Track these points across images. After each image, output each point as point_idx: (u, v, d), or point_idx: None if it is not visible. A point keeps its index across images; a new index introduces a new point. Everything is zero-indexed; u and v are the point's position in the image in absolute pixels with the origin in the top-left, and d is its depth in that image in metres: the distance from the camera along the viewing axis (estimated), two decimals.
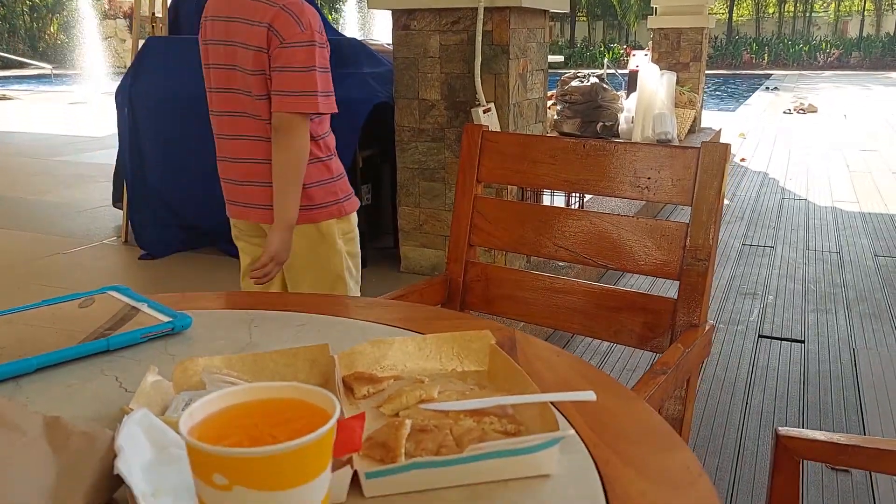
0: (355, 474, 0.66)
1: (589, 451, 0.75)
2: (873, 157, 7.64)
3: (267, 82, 1.78)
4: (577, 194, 3.99)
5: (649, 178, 1.58)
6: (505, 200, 1.90)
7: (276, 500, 0.47)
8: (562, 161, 1.67)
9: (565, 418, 0.81)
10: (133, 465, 0.66)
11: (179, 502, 0.64)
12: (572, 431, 0.69)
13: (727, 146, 1.50)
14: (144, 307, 1.07)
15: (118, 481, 0.64)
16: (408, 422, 0.76)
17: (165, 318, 1.02)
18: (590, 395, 0.78)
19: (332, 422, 0.50)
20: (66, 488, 0.61)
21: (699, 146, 1.51)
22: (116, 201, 4.42)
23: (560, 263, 3.59)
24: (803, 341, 3.17)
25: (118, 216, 4.38)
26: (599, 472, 0.71)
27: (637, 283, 3.57)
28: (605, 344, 3.10)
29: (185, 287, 3.50)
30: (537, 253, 1.73)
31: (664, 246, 1.55)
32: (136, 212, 4.07)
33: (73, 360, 0.94)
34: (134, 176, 4.06)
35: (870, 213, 5.28)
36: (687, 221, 1.51)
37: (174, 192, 4.00)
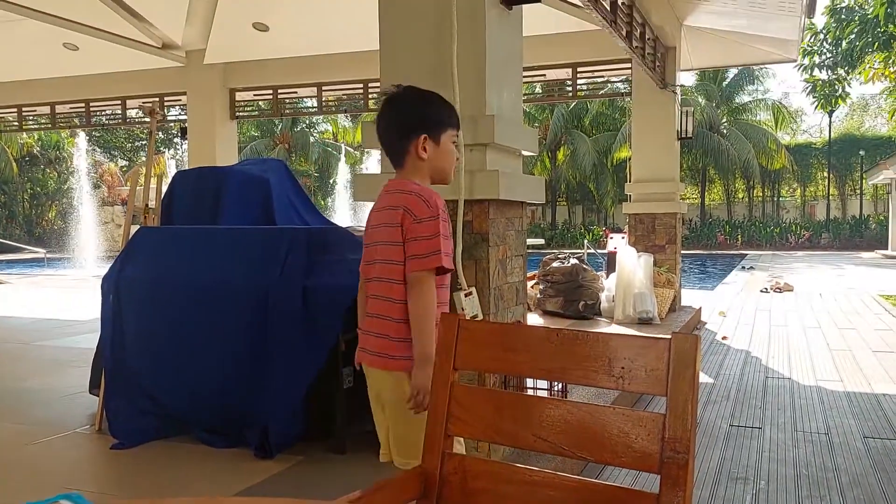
0: None
1: None
2: (852, 334, 7.74)
3: (401, 251, 2.19)
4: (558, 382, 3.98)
5: (623, 368, 1.59)
6: (482, 388, 1.90)
7: None
8: (537, 350, 1.69)
9: None
10: None
11: None
12: None
13: (697, 338, 1.53)
14: None
15: None
16: None
17: None
18: None
19: None
20: None
21: (670, 337, 1.53)
22: (93, 388, 4.36)
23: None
24: None
25: (94, 403, 4.29)
26: None
27: (620, 472, 3.46)
28: None
29: (155, 481, 3.37)
30: (515, 443, 1.70)
31: (643, 437, 1.53)
32: (112, 399, 4.00)
33: None
34: (114, 362, 4.03)
35: (854, 393, 5.27)
36: (664, 412, 1.51)
37: (151, 377, 3.96)
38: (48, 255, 22.91)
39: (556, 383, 3.97)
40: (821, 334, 7.81)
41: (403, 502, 1.66)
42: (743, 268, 17.77)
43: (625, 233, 8.65)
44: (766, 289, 12.18)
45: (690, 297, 9.99)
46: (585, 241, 16.22)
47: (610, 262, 8.26)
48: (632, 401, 4.63)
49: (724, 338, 7.61)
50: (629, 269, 7.39)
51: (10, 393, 5.04)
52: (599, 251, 12.19)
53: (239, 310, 3.79)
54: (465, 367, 1.80)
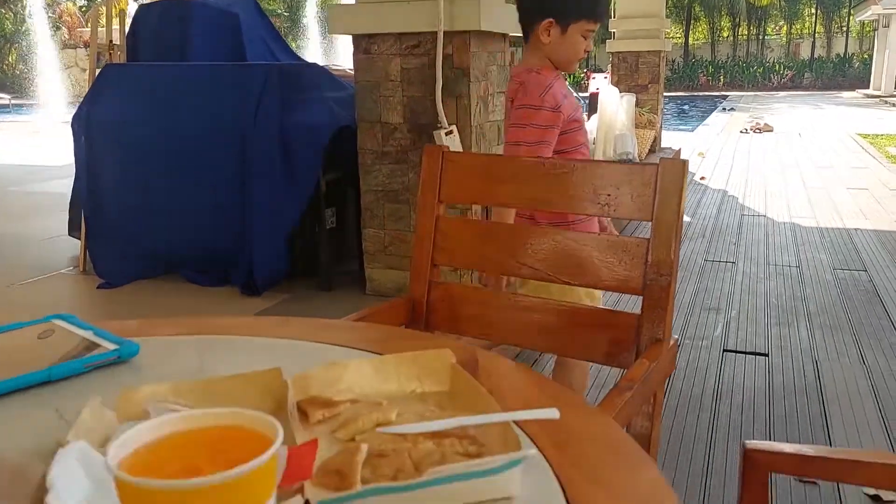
0: None
1: (553, 470, 0.72)
2: (828, 173, 7.82)
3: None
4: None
5: (609, 195, 1.57)
6: (467, 219, 1.89)
7: None
8: (523, 180, 1.66)
9: (529, 438, 0.79)
10: (67, 502, 0.62)
11: None
12: (534, 451, 0.66)
13: (685, 163, 1.51)
14: (90, 335, 1.02)
15: None
16: (364, 447, 0.73)
17: (111, 346, 0.98)
18: (552, 413, 0.76)
19: (273, 450, 0.46)
20: None
21: (658, 163, 1.51)
22: (73, 230, 4.32)
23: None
24: (767, 354, 3.19)
25: (75, 246, 4.27)
26: (564, 493, 0.68)
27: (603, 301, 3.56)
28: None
29: (145, 315, 3.41)
30: (501, 271, 1.71)
31: (626, 262, 1.54)
32: (94, 241, 3.98)
33: (11, 393, 0.89)
34: (91, 204, 3.97)
35: (827, 228, 5.39)
36: (648, 237, 1.50)
37: (132, 221, 3.93)
38: (13, 102, 22.10)
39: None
40: (798, 173, 7.88)
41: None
42: (724, 109, 17.62)
43: (607, 73, 8.44)
44: (746, 130, 12.14)
45: (671, 138, 9.95)
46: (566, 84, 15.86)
47: (591, 104, 8.11)
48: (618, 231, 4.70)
49: (702, 178, 7.66)
50: (611, 109, 7.28)
51: None
52: (581, 94, 11.94)
53: (215, 151, 3.70)
54: (449, 200, 1.77)
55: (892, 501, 2.08)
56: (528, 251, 1.64)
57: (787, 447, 1.14)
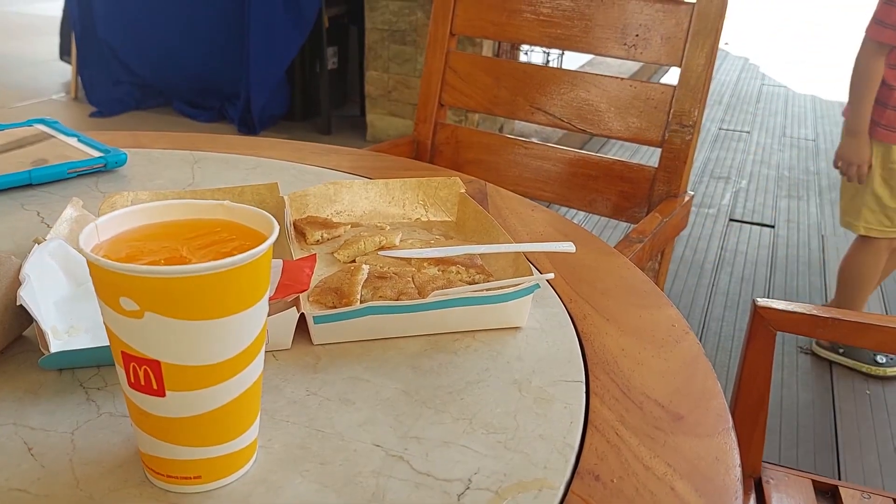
0: (302, 319, 0.58)
1: (565, 305, 0.68)
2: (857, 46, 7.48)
3: None
4: (556, 54, 3.82)
5: (637, 36, 1.46)
6: (480, 56, 1.77)
7: (194, 332, 0.39)
8: (544, 13, 1.54)
9: (539, 273, 0.74)
10: (44, 299, 0.57)
11: (99, 341, 0.56)
12: (551, 275, 0.61)
13: (724, 1, 1.38)
14: (74, 142, 0.95)
15: (28, 317, 0.55)
16: (365, 267, 0.68)
17: (97, 154, 0.91)
18: (569, 247, 0.71)
19: (268, 243, 0.41)
20: None
21: (694, 1, 1.39)
22: (64, 54, 4.14)
23: (534, 139, 3.48)
24: (773, 226, 3.15)
25: (67, 71, 4.11)
26: (576, 327, 0.64)
27: (618, 154, 3.48)
28: (580, 215, 3.05)
29: None
30: (512, 115, 1.62)
31: (648, 111, 1.45)
32: (86, 67, 3.82)
33: None
34: (83, 27, 3.77)
35: None
36: (674, 84, 1.41)
37: (127, 47, 3.74)
38: None
39: (551, 60, 3.83)
40: (826, 43, 7.54)
41: None
42: None
43: None
44: None
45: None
46: None
47: None
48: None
49: (725, 43, 7.32)
50: None
51: None
52: None
53: None
54: (463, 32, 1.65)
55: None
56: (543, 94, 1.55)
57: (799, 306, 1.11)
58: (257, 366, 0.43)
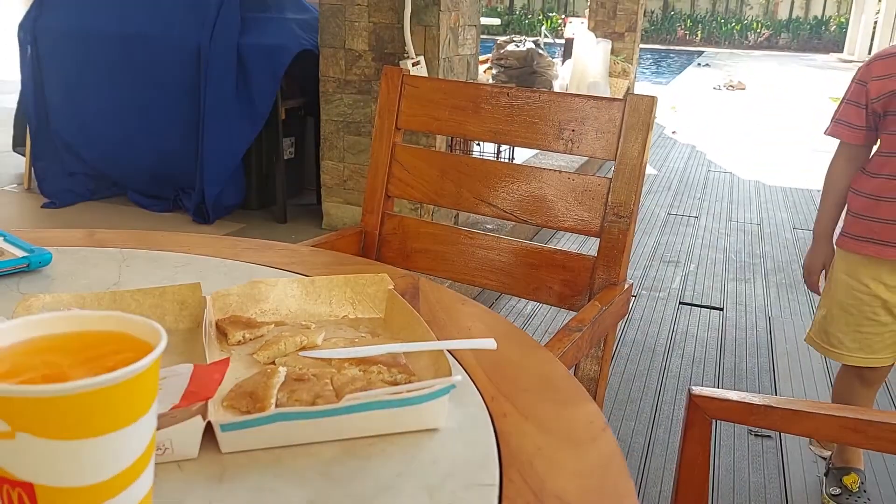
0: (209, 427, 0.57)
1: (486, 404, 0.67)
2: (797, 134, 7.85)
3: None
4: (508, 146, 3.93)
5: (573, 131, 1.51)
6: (425, 149, 1.81)
7: (70, 452, 0.38)
8: (486, 110, 1.59)
9: (463, 369, 0.74)
10: None
11: None
12: (461, 377, 0.61)
13: (653, 99, 1.45)
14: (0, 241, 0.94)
15: None
16: (282, 369, 0.67)
17: (21, 253, 0.90)
18: (489, 343, 0.71)
19: (153, 357, 0.40)
20: None
21: (624, 98, 1.45)
22: (17, 146, 4.12)
23: (488, 225, 3.54)
24: (722, 308, 3.20)
25: (20, 163, 4.09)
26: (494, 427, 0.63)
27: (566, 244, 3.54)
28: (530, 306, 3.07)
29: None
30: (458, 206, 1.65)
31: (586, 202, 1.49)
32: (40, 158, 3.80)
33: None
34: (38, 119, 3.78)
35: (791, 188, 5.41)
36: (610, 177, 1.45)
37: (80, 140, 3.75)
38: None
39: (503, 150, 3.93)
40: (767, 132, 7.89)
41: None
42: (699, 64, 17.54)
43: (585, 17, 8.29)
44: (720, 86, 12.11)
45: (644, 90, 9.87)
46: (543, 29, 15.60)
47: (566, 50, 7.98)
48: (591, 172, 4.65)
49: (673, 132, 7.63)
50: (586, 56, 7.16)
51: None
52: (557, 40, 11.76)
53: (170, 69, 3.52)
54: (408, 126, 1.69)
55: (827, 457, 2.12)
56: (487, 186, 1.58)
57: (733, 394, 1.12)
58: (144, 483, 0.42)
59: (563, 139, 1.52)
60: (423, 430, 0.62)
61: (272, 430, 0.58)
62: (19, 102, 4.01)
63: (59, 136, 3.77)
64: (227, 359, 0.62)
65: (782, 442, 2.21)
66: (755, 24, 29.77)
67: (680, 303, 3.25)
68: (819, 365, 2.71)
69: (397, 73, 1.67)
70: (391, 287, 0.84)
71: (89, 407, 0.38)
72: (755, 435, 2.24)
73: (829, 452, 2.10)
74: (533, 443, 0.61)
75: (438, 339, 0.72)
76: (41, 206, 3.63)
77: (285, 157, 3.69)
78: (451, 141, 3.50)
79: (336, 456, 0.58)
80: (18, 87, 3.94)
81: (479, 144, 3.88)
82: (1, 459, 0.38)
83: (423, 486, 0.55)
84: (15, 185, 4.00)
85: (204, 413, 0.56)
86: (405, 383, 0.68)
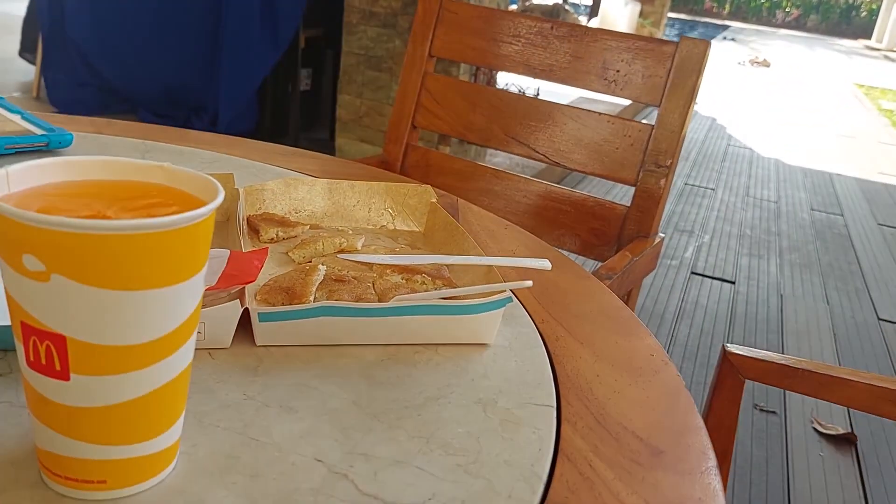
0: (246, 315, 0.52)
1: (536, 325, 0.62)
2: (819, 116, 7.72)
3: None
4: (533, 89, 3.84)
5: (618, 71, 1.44)
6: (458, 80, 1.74)
7: (110, 303, 0.33)
8: (527, 42, 1.52)
9: (511, 291, 0.68)
10: None
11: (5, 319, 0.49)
12: (529, 282, 0.55)
13: (707, 44, 1.37)
14: (17, 118, 0.88)
15: None
16: (321, 267, 0.61)
17: (40, 132, 0.84)
18: (544, 263, 0.65)
19: (210, 207, 0.34)
20: None
21: (677, 41, 1.38)
22: (24, 51, 4.01)
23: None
24: (734, 282, 3.16)
25: (27, 69, 3.99)
26: (548, 349, 0.58)
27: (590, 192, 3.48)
28: None
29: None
30: (486, 141, 1.58)
31: (624, 147, 1.42)
32: (50, 67, 3.71)
33: None
34: (51, 25, 3.67)
35: (811, 169, 5.32)
36: (652, 123, 1.39)
37: (96, 49, 3.64)
38: None
39: (526, 90, 3.84)
40: (789, 112, 7.76)
41: None
42: (724, 38, 17.24)
43: None
44: (744, 62, 11.89)
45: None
46: None
47: (594, 8, 7.81)
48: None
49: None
50: (613, 15, 7.00)
51: None
52: (584, 1, 11.51)
53: None
54: (442, 54, 1.62)
55: (831, 433, 2.09)
56: (520, 122, 1.51)
57: (770, 355, 1.07)
58: (184, 355, 0.37)
59: (606, 79, 1.45)
60: (473, 344, 0.57)
61: (312, 326, 0.52)
62: (29, 7, 3.89)
63: (72, 43, 3.66)
64: (266, 248, 0.57)
65: (787, 418, 2.18)
66: (785, 2, 29.18)
67: (691, 272, 3.20)
68: (829, 347, 2.67)
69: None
70: (434, 200, 0.79)
71: (136, 254, 0.32)
72: (760, 410, 2.21)
73: (833, 432, 2.08)
74: (590, 369, 0.57)
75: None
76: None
77: (301, 88, 3.60)
78: (476, 73, 3.40)
79: (379, 360, 0.53)
80: None
81: (506, 85, 3.78)
82: (32, 305, 0.33)
83: (476, 399, 0.50)
84: (19, 94, 3.91)
85: (242, 299, 0.51)
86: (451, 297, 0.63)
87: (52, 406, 0.35)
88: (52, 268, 0.32)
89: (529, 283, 0.56)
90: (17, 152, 0.81)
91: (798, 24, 27.49)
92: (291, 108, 3.60)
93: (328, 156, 1.09)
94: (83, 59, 3.65)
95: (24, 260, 0.32)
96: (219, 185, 0.37)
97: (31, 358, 0.34)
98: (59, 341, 0.33)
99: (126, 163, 0.39)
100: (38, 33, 3.79)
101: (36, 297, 0.33)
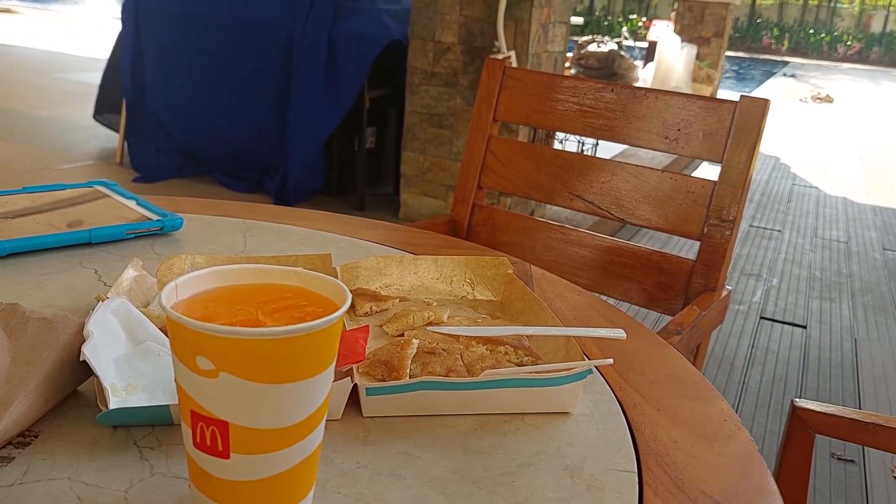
0: (353, 390, 0.58)
1: (614, 393, 0.67)
2: (888, 151, 7.54)
3: None
4: (591, 142, 3.89)
5: (679, 130, 1.49)
6: (521, 142, 1.81)
7: (266, 395, 0.39)
8: (586, 105, 1.58)
9: (587, 358, 0.73)
10: (104, 356, 0.58)
11: (155, 400, 0.56)
12: (610, 360, 0.60)
13: (767, 101, 1.41)
14: (133, 205, 0.98)
15: (85, 372, 0.56)
16: (415, 341, 0.68)
17: (155, 217, 0.93)
18: (619, 333, 0.70)
19: (342, 311, 0.41)
20: (19, 374, 0.53)
21: (737, 99, 1.42)
22: (97, 114, 4.29)
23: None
24: (805, 326, 3.11)
25: (105, 135, 4.26)
26: (626, 416, 0.63)
27: (650, 244, 3.48)
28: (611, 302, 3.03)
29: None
30: (551, 200, 1.64)
31: (688, 203, 1.46)
32: (133, 133, 3.96)
33: (49, 250, 0.85)
34: (135, 96, 3.93)
35: (881, 207, 5.20)
36: (714, 180, 1.43)
37: (173, 117, 3.88)
38: None
39: (586, 145, 3.90)
40: (855, 148, 7.60)
41: None
42: (784, 75, 17.02)
43: (670, 20, 8.13)
44: (806, 98, 11.72)
45: (726, 97, 9.63)
46: (623, 30, 15.41)
47: (649, 52, 7.85)
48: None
49: None
50: (669, 59, 7.03)
51: (28, 119, 5.02)
52: (637, 43, 11.58)
53: (262, 53, 3.61)
54: (506, 118, 1.70)
55: None
56: (583, 181, 1.57)
57: (839, 409, 1.08)
58: (319, 433, 0.44)
59: (667, 138, 1.49)
60: (556, 413, 0.62)
61: (413, 399, 0.59)
62: (105, 75, 4.17)
63: (152, 114, 3.91)
64: (367, 326, 0.64)
65: (866, 468, 2.13)
66: (846, 36, 28.66)
67: (761, 317, 3.16)
68: None
69: (499, 64, 1.67)
70: (511, 271, 0.85)
71: (288, 353, 0.39)
72: (837, 459, 2.16)
73: None
74: (667, 434, 0.61)
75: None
76: (132, 180, 3.77)
77: (367, 146, 3.74)
78: (534, 135, 3.48)
79: (472, 430, 0.59)
80: (101, 64, 4.09)
81: (561, 142, 3.85)
82: (202, 397, 0.40)
83: (563, 466, 0.55)
84: (93, 162, 4.15)
85: (351, 376, 0.58)
86: (531, 365, 0.68)
87: (214, 480, 0.42)
88: (220, 367, 0.39)
89: (610, 360, 0.61)
90: (136, 237, 0.90)
91: (860, 58, 26.90)
92: (358, 165, 3.74)
93: (406, 227, 1.16)
94: (162, 127, 3.89)
95: (197, 361, 0.39)
96: (345, 288, 0.44)
97: (198, 440, 0.41)
98: (223, 426, 0.40)
99: (266, 269, 0.47)
100: (113, 96, 4.06)
101: (205, 391, 0.40)
